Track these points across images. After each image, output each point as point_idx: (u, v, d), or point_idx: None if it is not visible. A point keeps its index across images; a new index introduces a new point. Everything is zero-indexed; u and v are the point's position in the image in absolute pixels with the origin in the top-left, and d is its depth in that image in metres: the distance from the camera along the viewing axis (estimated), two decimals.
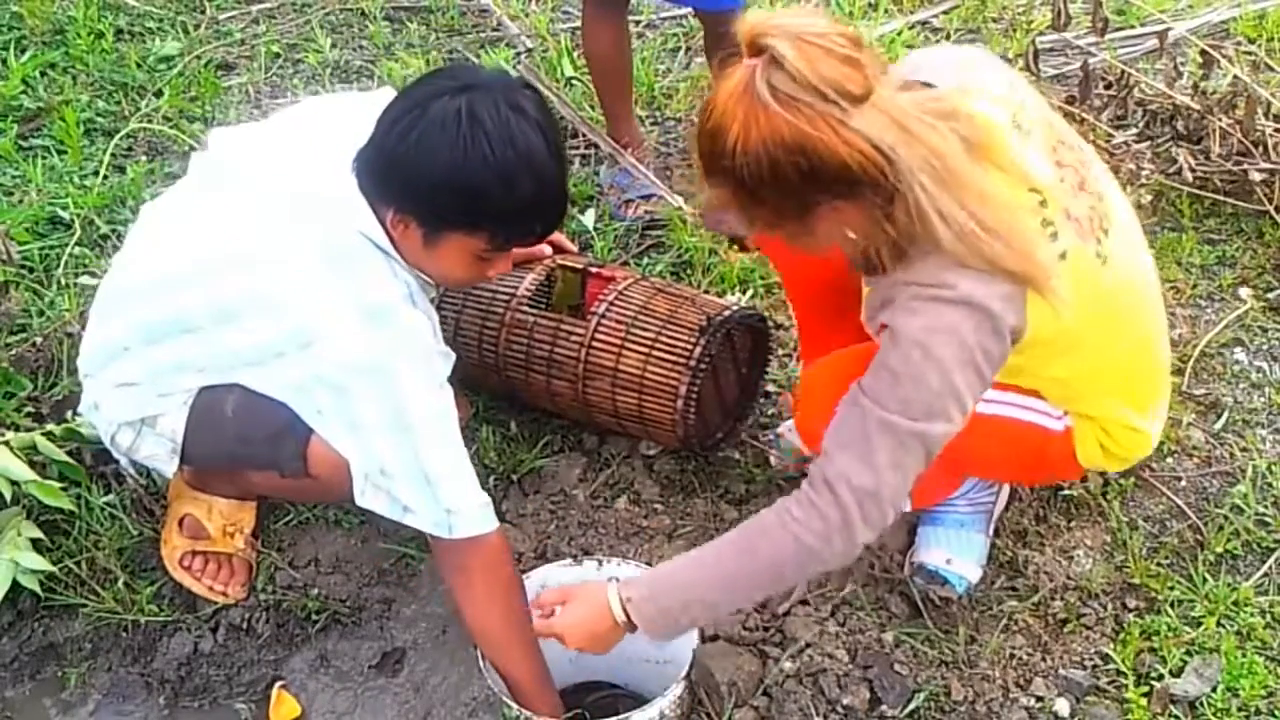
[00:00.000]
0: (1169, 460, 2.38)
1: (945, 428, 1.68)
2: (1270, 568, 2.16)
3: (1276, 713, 1.94)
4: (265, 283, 1.89)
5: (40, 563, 2.12)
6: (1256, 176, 2.87)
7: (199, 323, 1.95)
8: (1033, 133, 1.75)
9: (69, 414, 2.32)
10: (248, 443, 2.01)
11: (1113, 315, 1.83)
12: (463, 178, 1.77)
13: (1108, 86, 3.13)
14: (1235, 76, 2.99)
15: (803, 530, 1.70)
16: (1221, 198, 2.96)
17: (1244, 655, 2.00)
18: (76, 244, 2.91)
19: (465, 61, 3.70)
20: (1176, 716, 1.94)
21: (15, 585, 2.11)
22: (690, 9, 3.30)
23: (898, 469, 1.68)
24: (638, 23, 3.83)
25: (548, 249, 2.49)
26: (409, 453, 1.86)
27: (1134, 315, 1.90)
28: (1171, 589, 2.13)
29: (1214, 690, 1.96)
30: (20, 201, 3.09)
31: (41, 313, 2.71)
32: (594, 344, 2.33)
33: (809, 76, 1.52)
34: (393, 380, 1.83)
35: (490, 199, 1.79)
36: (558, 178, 1.86)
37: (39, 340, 2.60)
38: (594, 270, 2.46)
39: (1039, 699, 1.99)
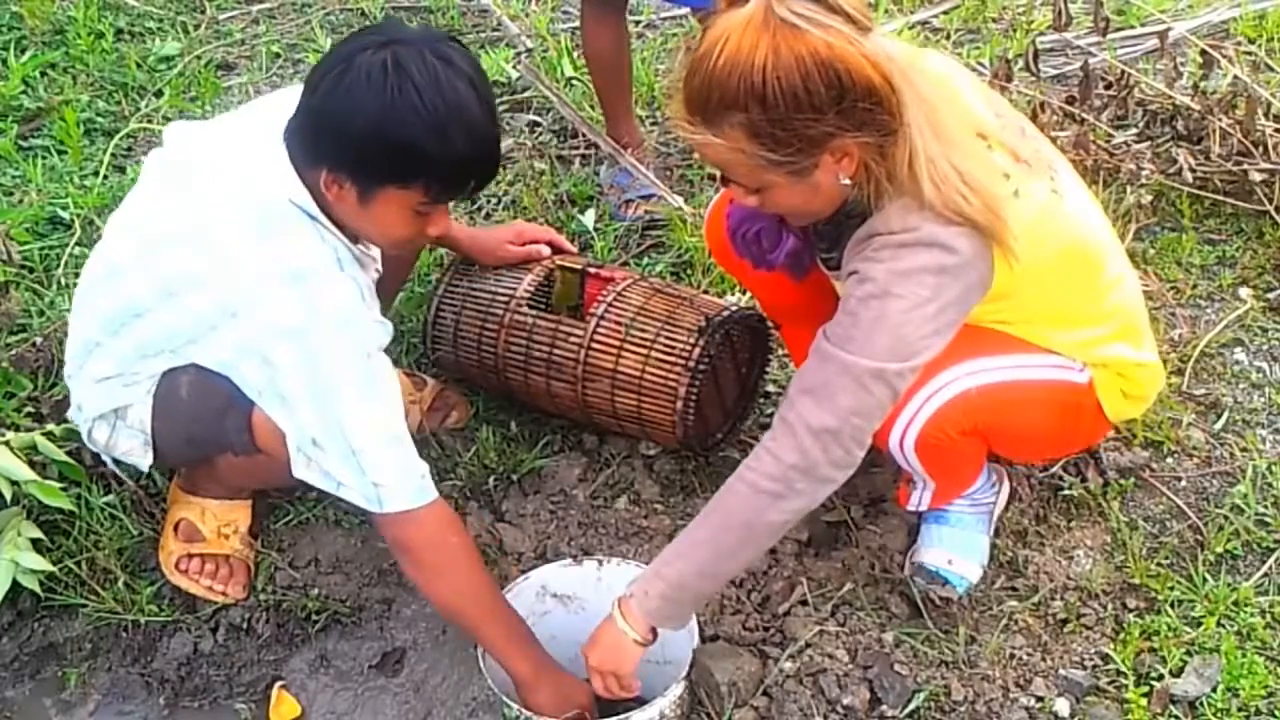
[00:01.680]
0: (1169, 460, 2.38)
1: (907, 367, 1.72)
2: (1270, 568, 2.16)
3: (1276, 713, 1.94)
4: (196, 256, 1.90)
5: (40, 563, 2.12)
6: (1256, 176, 2.87)
7: (147, 304, 1.97)
8: (969, 85, 1.84)
9: (69, 414, 2.32)
10: (199, 422, 2.01)
11: (1077, 248, 1.89)
12: (393, 130, 1.76)
13: (1108, 86, 3.13)
14: (1235, 76, 2.98)
15: (757, 477, 1.75)
16: (1221, 198, 2.96)
17: (1244, 655, 2.00)
18: (76, 244, 2.91)
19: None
20: (1176, 716, 1.94)
21: (15, 585, 2.11)
22: (690, 9, 3.30)
23: (859, 410, 1.72)
24: (638, 23, 3.83)
25: (545, 249, 2.49)
26: (333, 423, 1.84)
27: (1098, 248, 1.94)
28: (1171, 589, 2.13)
29: (1214, 690, 1.96)
30: (20, 201, 3.09)
31: (41, 313, 2.71)
32: (593, 345, 2.33)
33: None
34: (313, 346, 1.82)
35: (422, 151, 1.78)
36: (490, 128, 1.84)
37: (39, 340, 2.60)
38: (593, 271, 2.46)
39: (1039, 699, 1.99)
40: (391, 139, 1.77)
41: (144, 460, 2.12)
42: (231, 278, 1.87)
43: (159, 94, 3.57)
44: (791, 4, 1.57)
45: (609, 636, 1.86)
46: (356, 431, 1.85)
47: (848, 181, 1.70)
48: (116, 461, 2.23)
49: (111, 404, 2.07)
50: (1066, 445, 2.23)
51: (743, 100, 1.60)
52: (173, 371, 2.01)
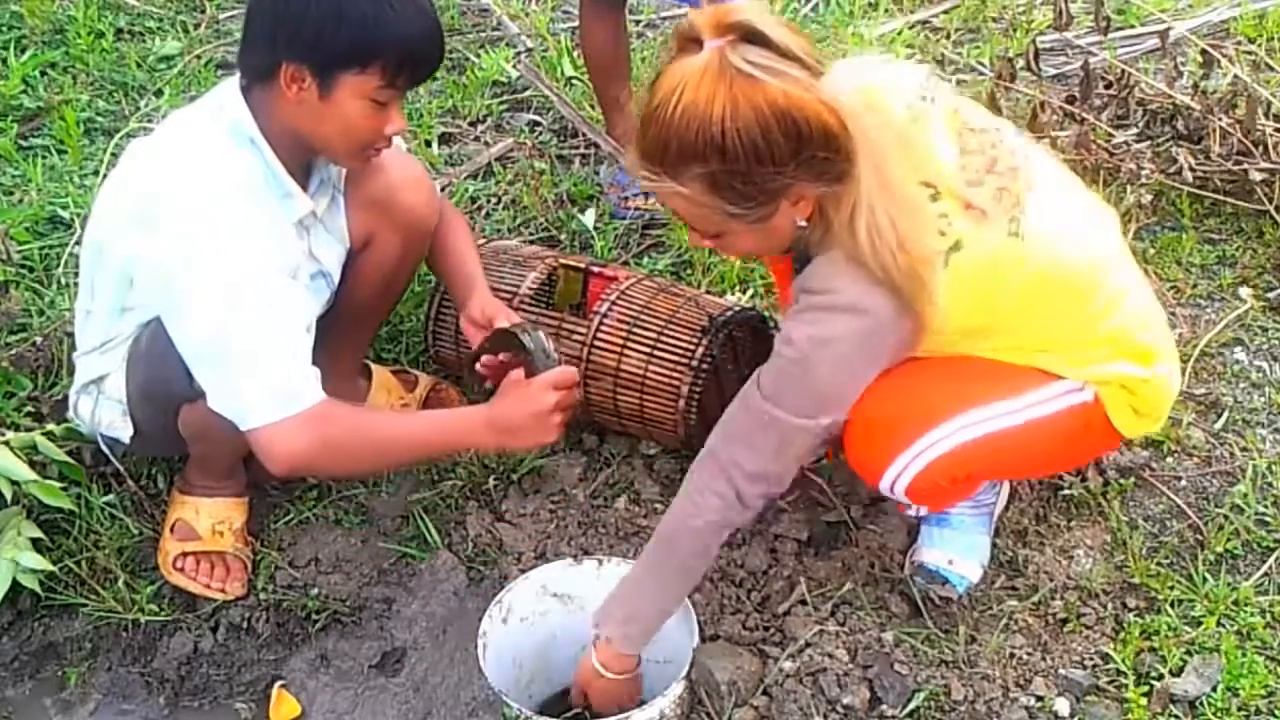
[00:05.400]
0: (1169, 460, 2.38)
1: (829, 421, 1.80)
2: (1270, 568, 2.16)
3: (1276, 712, 1.94)
4: (130, 177, 1.97)
5: (40, 562, 2.12)
6: (1256, 176, 2.87)
7: (106, 240, 2.02)
8: (934, 121, 1.74)
9: (69, 414, 2.32)
10: (151, 370, 2.02)
11: (1050, 281, 1.79)
12: (348, 7, 1.84)
13: (1108, 86, 3.13)
14: (1235, 76, 2.99)
15: (703, 514, 1.85)
16: (1221, 198, 2.96)
17: (1244, 655, 2.00)
18: (76, 244, 2.91)
19: (462, 57, 3.71)
20: (1176, 716, 1.94)
21: (15, 585, 2.11)
22: (689, 8, 3.30)
23: (782, 455, 1.83)
24: (637, 22, 3.83)
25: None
26: (204, 336, 1.87)
27: (1080, 277, 1.83)
28: (1171, 589, 2.13)
29: (1214, 690, 1.96)
30: (20, 201, 3.08)
31: (41, 312, 2.71)
32: (596, 344, 2.33)
33: (791, 45, 1.57)
34: (191, 255, 1.85)
35: (378, 25, 1.84)
36: (429, 6, 1.94)
37: (39, 340, 2.60)
38: (596, 270, 2.46)
39: (1039, 699, 1.99)
40: (348, 13, 1.84)
41: (124, 432, 2.14)
42: (144, 191, 1.92)
43: (159, 93, 3.57)
44: (745, 52, 1.56)
45: (605, 690, 1.93)
46: (220, 346, 1.85)
47: (804, 224, 1.71)
48: (111, 449, 2.23)
49: (93, 373, 2.12)
50: (1074, 463, 2.23)
51: (702, 152, 1.59)
52: (140, 330, 2.05)
